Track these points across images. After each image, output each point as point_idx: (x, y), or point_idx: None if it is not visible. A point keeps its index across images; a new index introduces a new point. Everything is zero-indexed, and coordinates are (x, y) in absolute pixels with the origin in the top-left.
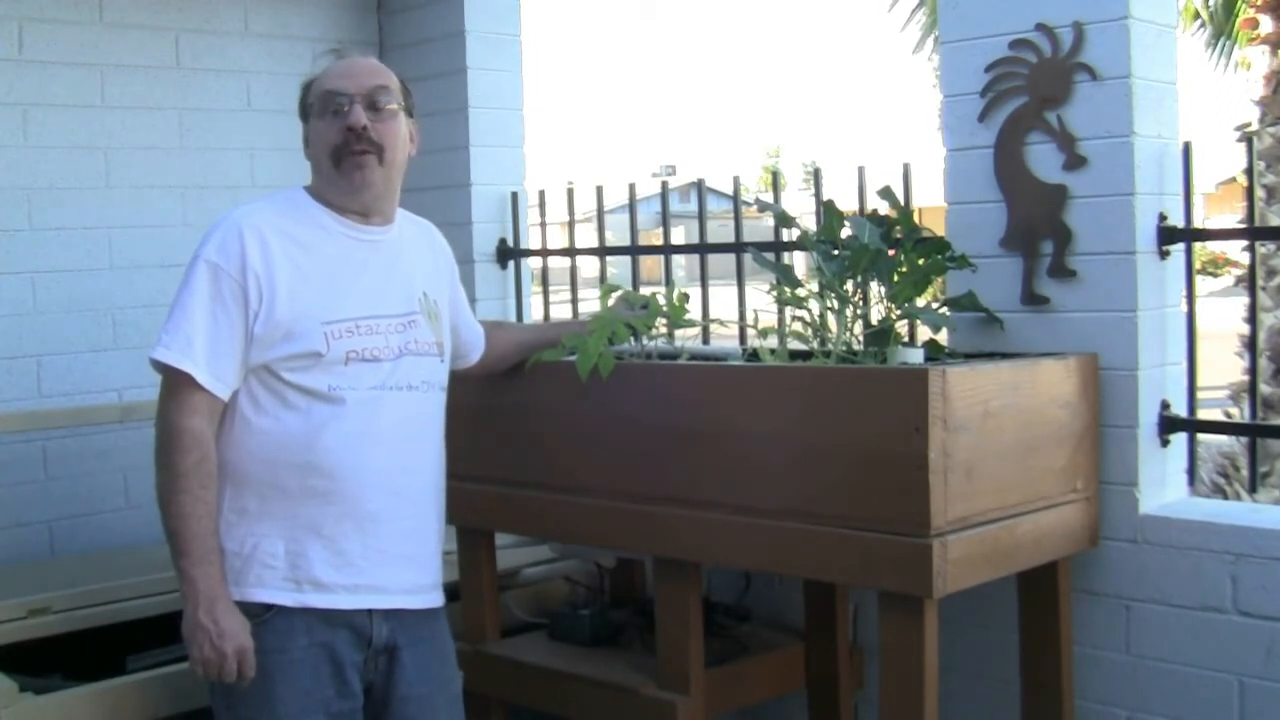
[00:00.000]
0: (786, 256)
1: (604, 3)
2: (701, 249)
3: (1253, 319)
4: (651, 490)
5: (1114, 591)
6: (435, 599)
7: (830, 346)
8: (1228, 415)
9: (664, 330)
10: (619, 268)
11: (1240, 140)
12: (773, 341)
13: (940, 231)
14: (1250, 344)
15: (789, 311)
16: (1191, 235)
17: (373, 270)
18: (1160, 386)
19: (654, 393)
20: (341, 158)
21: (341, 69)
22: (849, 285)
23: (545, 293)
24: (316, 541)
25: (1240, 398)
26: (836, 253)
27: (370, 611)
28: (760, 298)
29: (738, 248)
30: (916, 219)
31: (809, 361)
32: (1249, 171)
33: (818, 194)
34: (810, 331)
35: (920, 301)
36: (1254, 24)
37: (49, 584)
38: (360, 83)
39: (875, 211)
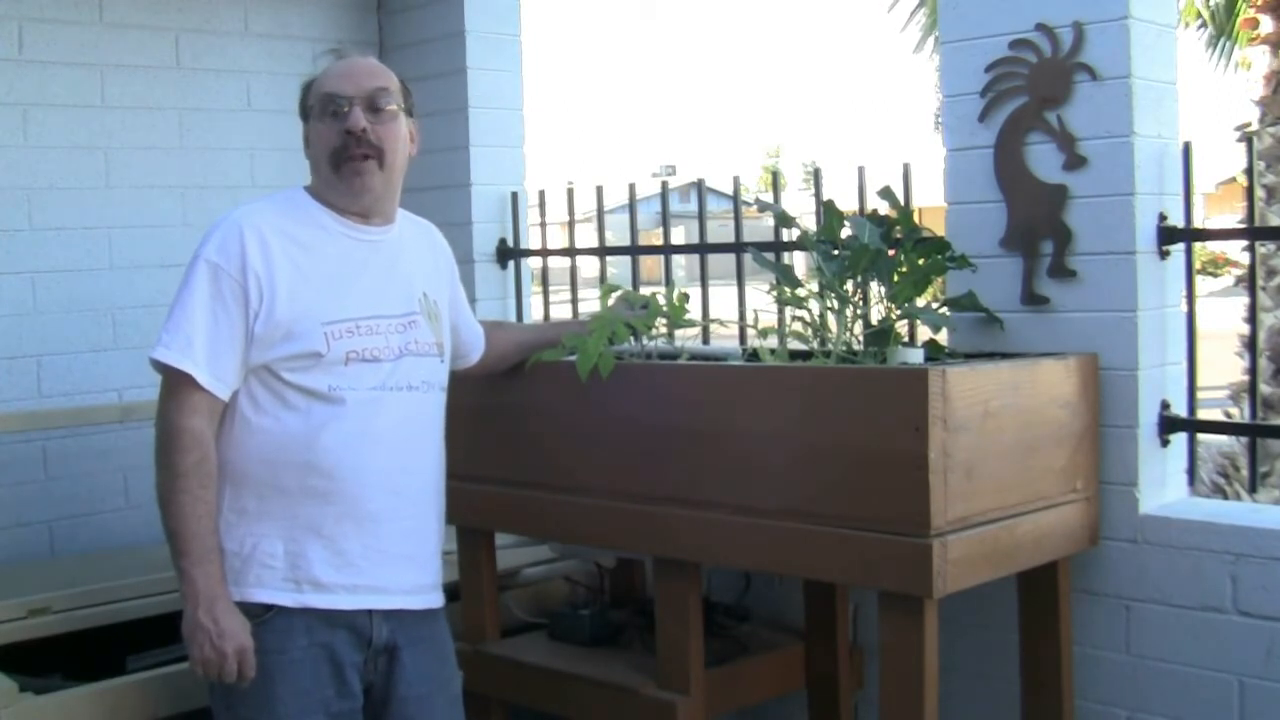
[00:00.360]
0: (786, 256)
1: (604, 3)
2: (701, 249)
3: (1253, 319)
4: (651, 490)
5: (1114, 591)
6: (435, 599)
7: (830, 346)
8: (1228, 415)
9: (664, 330)
10: (619, 268)
11: (1240, 140)
12: (773, 341)
13: (940, 231)
14: (1250, 344)
15: (789, 311)
16: (1191, 235)
17: (373, 270)
18: (1160, 386)
19: (654, 393)
20: (341, 161)
21: (341, 70)
22: (849, 285)
23: (545, 293)
24: (316, 542)
25: (1240, 398)
26: (836, 253)
27: (370, 612)
28: (760, 298)
29: (738, 248)
30: (916, 219)
31: (809, 361)
32: (1249, 171)
33: (818, 194)
34: (810, 331)
35: (920, 301)
36: (1254, 24)
37: (49, 584)
38: (360, 85)
39: (875, 211)
